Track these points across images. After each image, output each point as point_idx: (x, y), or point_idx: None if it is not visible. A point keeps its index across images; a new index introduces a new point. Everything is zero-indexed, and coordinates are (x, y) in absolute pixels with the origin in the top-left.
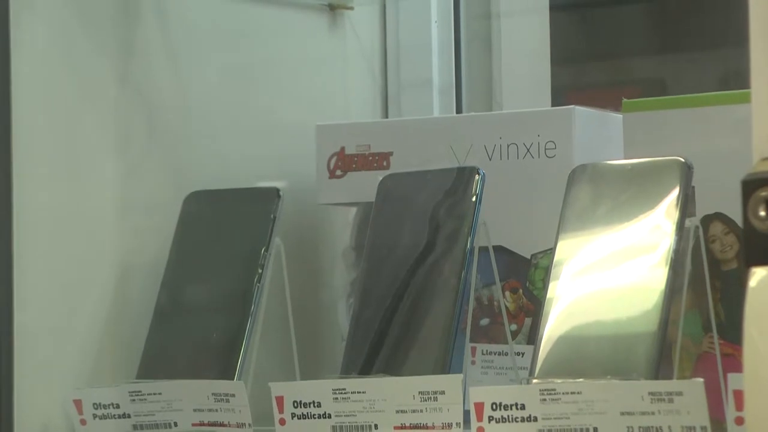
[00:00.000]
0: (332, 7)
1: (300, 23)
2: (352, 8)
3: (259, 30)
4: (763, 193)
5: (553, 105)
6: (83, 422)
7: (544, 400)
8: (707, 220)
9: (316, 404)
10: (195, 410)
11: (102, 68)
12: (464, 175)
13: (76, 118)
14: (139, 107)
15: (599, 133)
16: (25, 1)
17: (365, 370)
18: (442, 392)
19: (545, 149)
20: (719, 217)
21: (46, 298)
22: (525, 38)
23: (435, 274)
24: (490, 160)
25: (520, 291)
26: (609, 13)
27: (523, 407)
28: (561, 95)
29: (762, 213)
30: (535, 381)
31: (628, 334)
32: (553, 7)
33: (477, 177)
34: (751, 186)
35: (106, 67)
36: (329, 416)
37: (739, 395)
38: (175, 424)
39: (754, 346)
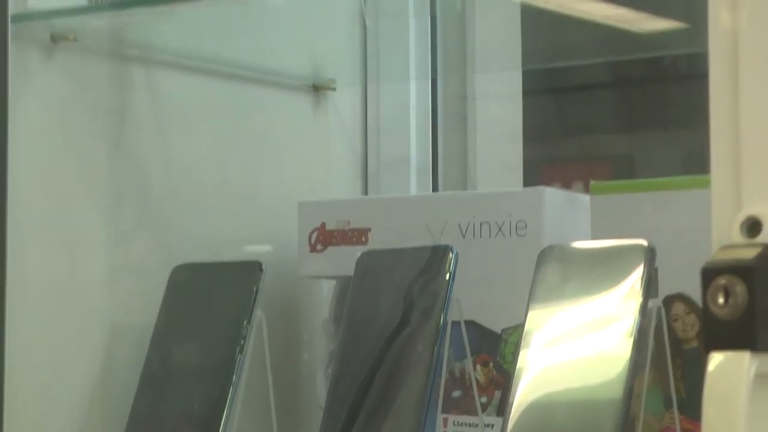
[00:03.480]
0: (316, 88)
1: (286, 102)
2: (334, 89)
3: (247, 108)
4: (722, 281)
5: (527, 178)
6: None
7: None
8: (670, 300)
9: None
10: None
11: (96, 140)
12: (438, 254)
13: (70, 187)
14: (130, 178)
15: (568, 213)
16: (23, 73)
17: None
18: None
19: (516, 228)
20: (681, 297)
21: (36, 361)
22: (499, 120)
23: (409, 347)
24: (463, 237)
25: (491, 365)
26: (580, 96)
27: None
28: (534, 170)
29: (720, 300)
30: None
31: (594, 406)
32: (527, 92)
33: (450, 255)
34: (710, 274)
35: (100, 138)
36: None
37: None
38: None
39: (713, 429)
